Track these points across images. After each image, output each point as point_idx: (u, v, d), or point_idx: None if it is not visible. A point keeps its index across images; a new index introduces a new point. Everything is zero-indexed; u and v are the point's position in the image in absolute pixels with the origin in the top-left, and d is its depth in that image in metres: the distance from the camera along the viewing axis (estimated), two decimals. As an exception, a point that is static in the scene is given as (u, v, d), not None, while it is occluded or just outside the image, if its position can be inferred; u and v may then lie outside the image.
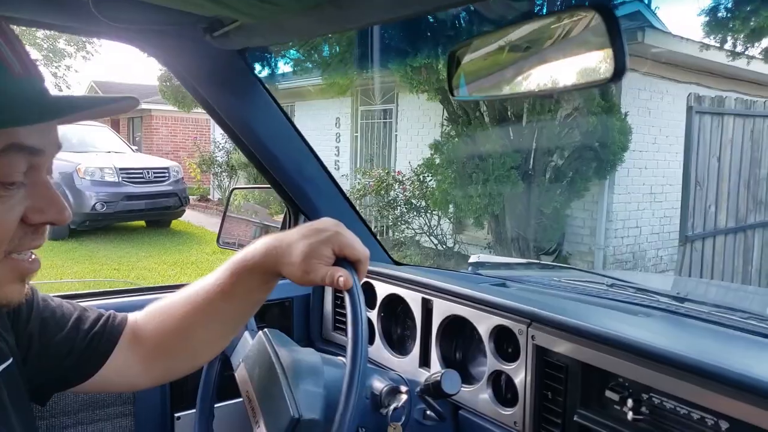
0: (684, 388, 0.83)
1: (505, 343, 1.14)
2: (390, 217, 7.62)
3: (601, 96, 5.87)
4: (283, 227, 1.65)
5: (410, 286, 1.34)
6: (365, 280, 1.46)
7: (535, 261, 1.46)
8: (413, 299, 1.32)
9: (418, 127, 8.90)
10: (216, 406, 1.12)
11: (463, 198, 6.09)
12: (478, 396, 1.16)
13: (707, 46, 6.58)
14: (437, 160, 6.55)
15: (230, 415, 1.38)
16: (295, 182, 1.51)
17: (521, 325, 1.08)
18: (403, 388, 1.05)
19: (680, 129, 6.42)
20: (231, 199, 1.78)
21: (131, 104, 0.70)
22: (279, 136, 1.45)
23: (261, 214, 1.89)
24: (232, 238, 1.76)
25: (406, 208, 7.54)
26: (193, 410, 1.06)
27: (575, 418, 0.99)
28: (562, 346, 1.01)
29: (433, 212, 7.40)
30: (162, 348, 0.94)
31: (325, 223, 0.89)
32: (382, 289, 1.42)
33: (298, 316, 1.61)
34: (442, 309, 1.25)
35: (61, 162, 9.18)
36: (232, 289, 0.90)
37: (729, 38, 6.38)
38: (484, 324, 1.15)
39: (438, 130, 7.83)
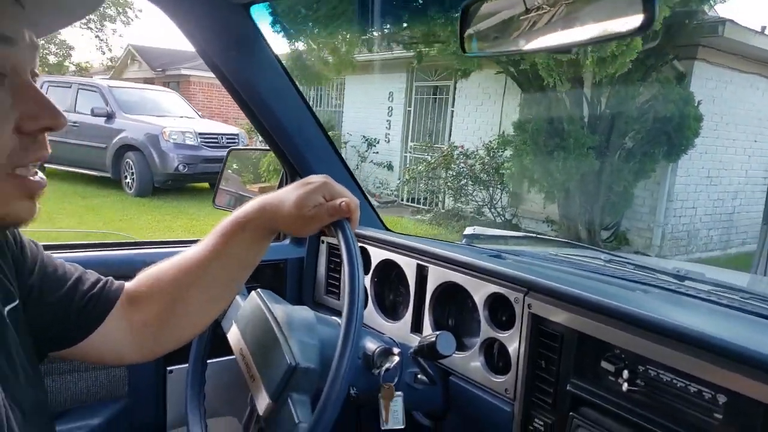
0: (682, 360, 0.84)
1: (499, 311, 1.14)
2: (452, 189, 8.15)
3: (678, 84, 6.46)
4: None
5: (406, 252, 1.33)
6: (360, 244, 1.43)
7: (531, 234, 1.46)
8: (408, 265, 1.31)
9: (476, 104, 9.27)
10: (208, 362, 1.08)
11: (543, 173, 6.56)
12: (470, 363, 1.15)
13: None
14: (517, 138, 6.99)
15: (222, 372, 1.36)
16: (293, 144, 1.50)
17: (518, 294, 1.08)
18: (396, 350, 1.05)
19: (740, 117, 7.65)
20: (228, 160, 1.74)
21: None
22: (280, 97, 1.43)
23: (234, 183, 1.84)
24: (228, 200, 1.72)
25: (472, 181, 8.01)
26: (185, 365, 1.02)
27: (568, 388, 0.99)
28: (558, 316, 1.01)
29: (497, 186, 7.93)
30: (153, 317, 0.89)
31: (313, 177, 0.92)
32: (377, 255, 1.41)
33: (291, 278, 1.59)
34: (437, 276, 1.24)
35: (147, 124, 9.55)
36: (225, 249, 0.89)
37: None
38: (480, 291, 1.15)
39: (497, 108, 8.68)
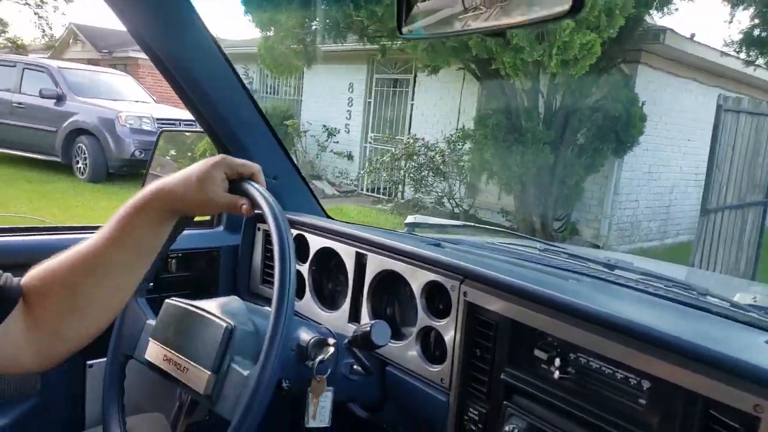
0: (610, 347, 0.85)
1: (436, 300, 1.14)
2: (413, 180, 8.38)
3: (625, 85, 7.00)
4: None
5: (344, 240, 1.31)
6: (297, 232, 1.41)
7: (470, 223, 1.46)
8: (347, 253, 1.29)
9: (435, 98, 9.48)
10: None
11: (501, 166, 6.94)
12: (407, 352, 1.15)
13: (711, 48, 8.06)
14: (476, 131, 7.35)
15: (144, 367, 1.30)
16: (229, 127, 1.44)
17: (454, 282, 1.08)
18: (331, 341, 1.03)
19: (676, 117, 8.26)
20: (159, 142, 1.67)
21: None
22: (216, 78, 1.38)
23: (168, 168, 1.77)
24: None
25: (432, 172, 8.23)
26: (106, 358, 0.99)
27: (502, 377, 1.00)
28: (493, 304, 1.01)
29: (456, 178, 8.24)
30: (50, 313, 0.82)
31: (210, 158, 0.91)
32: (316, 242, 1.38)
33: (225, 267, 1.55)
34: (375, 264, 1.23)
35: (102, 108, 9.15)
36: (121, 234, 0.85)
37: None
38: (417, 280, 1.14)
39: (455, 102, 9.04)
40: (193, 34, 1.31)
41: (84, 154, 9.17)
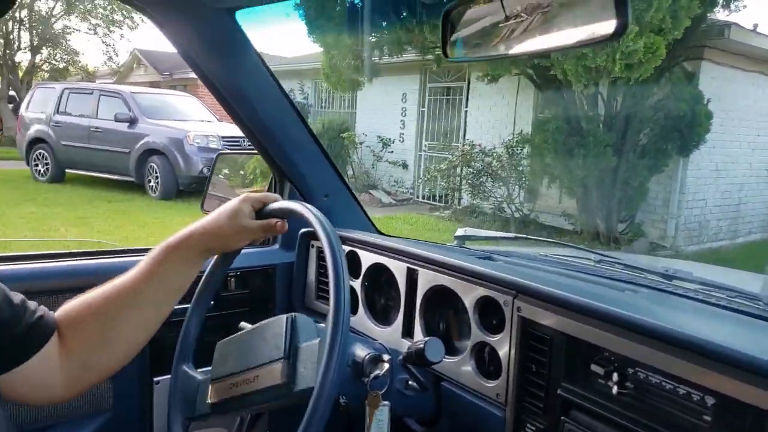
0: (670, 362, 0.82)
1: (490, 314, 1.12)
2: (471, 186, 8.50)
3: (688, 83, 6.86)
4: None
5: (395, 255, 1.31)
6: (349, 248, 1.42)
7: (522, 235, 1.43)
8: (398, 269, 1.29)
9: (490, 104, 9.60)
10: (197, 371, 1.07)
11: (564, 170, 6.97)
12: (461, 367, 1.13)
13: None
14: (535, 137, 7.42)
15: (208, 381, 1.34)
16: (281, 148, 1.48)
17: (507, 297, 1.06)
18: (386, 357, 1.02)
19: (743, 113, 8.09)
20: (216, 164, 1.73)
21: None
22: (267, 101, 1.42)
23: (223, 187, 1.82)
24: (217, 205, 1.70)
25: (492, 178, 8.32)
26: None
27: (559, 392, 0.97)
28: (547, 319, 0.99)
29: (515, 183, 8.29)
30: (82, 344, 0.86)
31: (234, 199, 1.00)
32: (367, 258, 1.39)
33: (280, 284, 1.57)
34: (427, 279, 1.22)
35: (170, 129, 9.65)
36: (156, 271, 0.90)
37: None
38: (469, 295, 1.13)
39: (510, 108, 9.07)
40: (243, 56, 1.35)
41: (156, 173, 9.58)
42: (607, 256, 1.31)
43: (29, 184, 10.42)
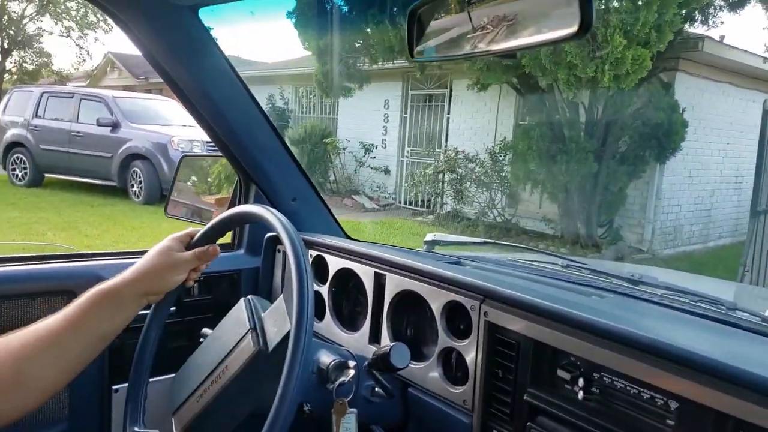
0: (635, 367, 0.81)
1: (457, 320, 1.10)
2: (455, 191, 8.61)
3: (665, 92, 7.08)
4: (234, 198, 1.57)
5: (363, 260, 1.28)
6: (316, 253, 1.39)
7: (491, 240, 1.41)
8: (365, 273, 1.26)
9: (472, 111, 9.69)
10: (156, 379, 1.04)
11: (547, 175, 7.17)
12: (428, 373, 1.11)
13: (750, 53, 8.16)
14: (518, 143, 7.57)
15: (165, 390, 1.26)
16: (248, 151, 1.44)
17: (474, 302, 1.04)
18: (351, 363, 1.01)
19: (714, 122, 8.29)
20: (180, 167, 1.68)
21: None
22: (233, 103, 1.37)
23: (187, 192, 1.77)
24: (180, 209, 1.66)
25: (475, 183, 8.44)
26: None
27: (525, 397, 0.96)
28: (514, 324, 0.98)
29: (497, 189, 8.46)
30: None
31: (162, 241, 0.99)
32: (334, 263, 1.35)
33: (246, 289, 1.52)
34: (394, 284, 1.20)
35: (153, 133, 9.47)
36: (81, 317, 0.85)
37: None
38: (437, 300, 1.11)
39: (492, 115, 9.19)
40: (208, 56, 1.31)
41: (139, 177, 9.46)
42: (574, 261, 1.30)
43: (6, 189, 10.22)
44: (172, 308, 1.08)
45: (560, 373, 0.91)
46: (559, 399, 0.92)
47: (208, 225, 1.03)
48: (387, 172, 11.29)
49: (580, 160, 6.98)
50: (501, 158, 8.42)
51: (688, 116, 7.28)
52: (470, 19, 0.90)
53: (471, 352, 1.05)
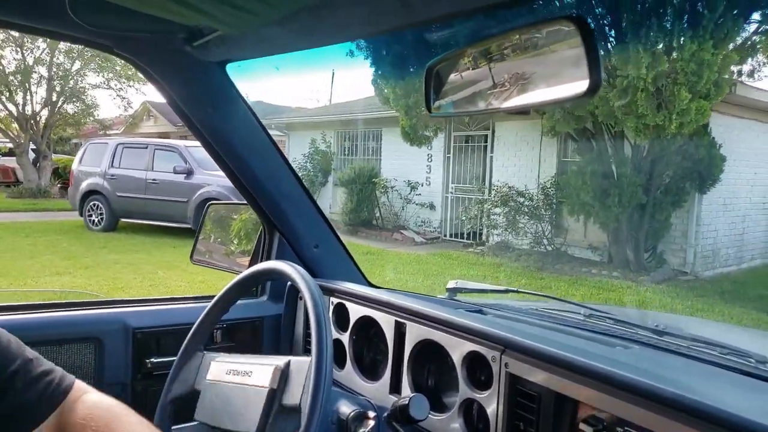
0: (660, 423, 0.73)
1: (478, 370, 1.03)
2: (509, 223, 8.98)
3: (704, 131, 7.60)
4: (258, 244, 1.53)
5: (384, 308, 1.21)
6: (338, 301, 1.33)
7: (513, 288, 1.31)
8: (386, 322, 1.20)
9: (515, 150, 10.03)
10: (174, 428, 1.01)
11: (600, 207, 7.73)
12: (449, 425, 1.03)
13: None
14: (572, 179, 8.16)
15: None
16: (272, 200, 1.41)
17: (495, 352, 0.97)
18: (371, 414, 0.95)
19: (742, 154, 8.71)
20: (207, 215, 1.67)
21: None
22: (258, 153, 1.35)
23: (211, 241, 1.76)
24: (206, 255, 1.65)
25: (528, 216, 8.84)
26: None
27: None
28: (535, 375, 0.90)
29: (547, 221, 8.90)
30: None
31: None
32: (355, 311, 1.29)
33: (268, 336, 1.48)
34: (415, 333, 1.13)
35: (226, 179, 9.49)
36: None
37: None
38: (458, 350, 1.03)
39: (535, 153, 9.61)
40: (233, 108, 1.29)
41: (214, 219, 9.66)
42: (597, 311, 1.20)
43: (86, 234, 10.51)
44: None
45: (583, 427, 0.83)
46: (584, 455, 0.83)
47: (234, 282, 1.00)
48: (432, 207, 11.38)
49: (630, 193, 7.53)
50: (552, 192, 8.86)
51: (722, 151, 7.77)
52: (488, 76, 0.88)
53: (492, 403, 0.97)
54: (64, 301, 1.30)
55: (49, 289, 5.87)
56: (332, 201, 12.67)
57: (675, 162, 7.65)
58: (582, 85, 0.73)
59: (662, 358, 0.98)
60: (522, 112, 0.92)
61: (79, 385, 0.82)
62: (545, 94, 0.80)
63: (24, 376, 0.77)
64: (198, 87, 1.23)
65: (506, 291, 1.34)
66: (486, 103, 0.90)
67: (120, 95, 21.31)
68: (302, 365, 0.87)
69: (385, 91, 9.66)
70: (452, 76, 0.97)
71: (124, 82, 18.66)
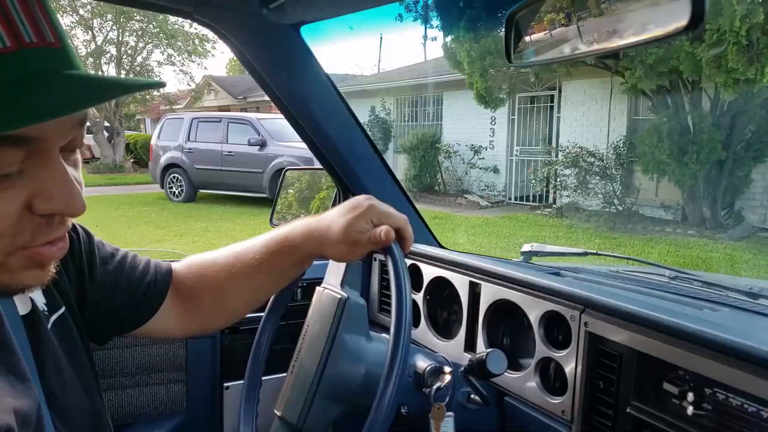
0: (753, 383, 0.69)
1: (555, 330, 1.00)
2: (578, 183, 8.85)
3: None
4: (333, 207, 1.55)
5: (458, 269, 1.20)
6: (411, 261, 1.33)
7: (591, 251, 1.25)
8: (460, 282, 1.18)
9: (583, 109, 9.72)
10: (264, 378, 1.05)
11: (677, 165, 7.53)
12: (525, 383, 1.02)
13: None
14: (646, 137, 7.86)
15: (277, 388, 1.30)
16: (346, 162, 1.40)
17: (574, 311, 0.94)
18: (447, 369, 0.95)
19: None
20: (284, 180, 1.70)
21: (157, 86, 0.58)
22: (332, 116, 1.35)
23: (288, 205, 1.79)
24: (284, 219, 1.68)
25: (599, 176, 8.64)
26: (242, 381, 1.00)
27: (629, 410, 0.84)
28: (616, 335, 0.87)
29: (618, 181, 8.69)
30: (197, 304, 0.89)
31: (358, 199, 0.84)
32: (429, 272, 1.28)
33: None
34: (490, 293, 1.11)
35: (298, 149, 9.46)
36: (268, 264, 0.86)
37: None
38: (535, 310, 1.01)
39: (605, 111, 9.31)
40: (309, 72, 1.29)
41: (289, 188, 9.90)
42: (682, 272, 1.12)
43: (169, 205, 11.02)
44: (283, 312, 1.08)
45: (667, 386, 0.80)
46: (667, 414, 0.80)
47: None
48: (496, 171, 11.15)
49: (709, 149, 7.28)
50: (623, 152, 8.59)
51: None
52: (570, 20, 0.82)
53: (570, 362, 0.94)
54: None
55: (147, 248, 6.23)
56: (393, 168, 12.69)
57: (759, 116, 7.33)
58: (682, 19, 0.64)
59: (756, 321, 0.92)
60: (611, 55, 0.85)
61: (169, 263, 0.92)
62: (639, 32, 0.71)
63: (136, 264, 0.85)
64: (274, 50, 1.23)
65: (584, 254, 1.29)
66: (572, 49, 0.82)
67: (183, 70, 21.65)
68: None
69: (458, 54, 9.40)
70: (534, 23, 0.91)
71: (186, 57, 19.10)
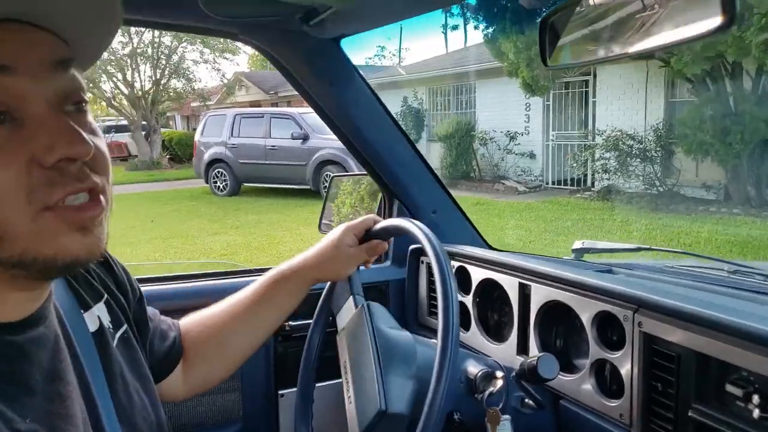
0: None
1: (609, 330, 0.96)
2: (621, 166, 8.74)
3: None
4: (379, 212, 1.53)
5: (506, 270, 1.17)
6: (459, 264, 1.30)
7: (645, 246, 1.19)
8: (510, 284, 1.15)
9: (619, 93, 9.65)
10: (316, 386, 1.05)
11: (721, 145, 7.41)
12: (580, 386, 0.98)
13: None
14: (687, 119, 7.78)
15: (329, 395, 1.28)
16: (390, 168, 1.41)
17: (627, 311, 0.90)
18: (499, 374, 0.92)
19: None
20: (332, 186, 1.71)
21: None
22: (374, 123, 1.36)
23: (332, 214, 1.80)
24: (332, 224, 1.68)
25: (640, 159, 8.59)
26: (296, 388, 1.01)
27: (690, 414, 0.80)
28: (673, 335, 0.83)
29: (659, 163, 8.63)
30: (200, 356, 0.90)
31: (335, 231, 0.99)
32: (477, 274, 1.25)
33: (394, 300, 1.48)
34: (540, 294, 1.07)
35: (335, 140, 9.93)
36: (266, 295, 0.92)
37: None
38: (586, 310, 0.97)
39: (641, 95, 9.22)
40: (350, 83, 1.30)
41: (332, 179, 9.99)
42: (743, 266, 1.07)
43: (215, 199, 11.20)
44: (330, 319, 1.07)
45: (730, 388, 0.76)
46: (731, 417, 0.76)
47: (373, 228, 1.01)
48: (532, 156, 10.99)
49: (753, 129, 7.18)
50: (663, 134, 8.50)
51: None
52: (606, 22, 0.79)
53: (626, 364, 0.91)
54: (205, 272, 1.39)
55: (194, 260, 6.42)
56: (426, 157, 12.61)
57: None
58: (715, 21, 0.64)
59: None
60: (644, 57, 0.83)
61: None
62: (673, 34, 0.70)
63: (163, 328, 0.87)
64: (316, 64, 1.25)
65: (637, 249, 1.23)
66: (606, 51, 0.82)
67: (215, 68, 21.68)
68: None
69: (503, 45, 9.53)
70: (568, 26, 0.89)
71: (218, 55, 19.19)
